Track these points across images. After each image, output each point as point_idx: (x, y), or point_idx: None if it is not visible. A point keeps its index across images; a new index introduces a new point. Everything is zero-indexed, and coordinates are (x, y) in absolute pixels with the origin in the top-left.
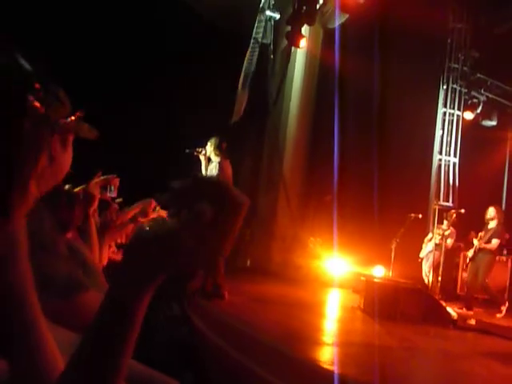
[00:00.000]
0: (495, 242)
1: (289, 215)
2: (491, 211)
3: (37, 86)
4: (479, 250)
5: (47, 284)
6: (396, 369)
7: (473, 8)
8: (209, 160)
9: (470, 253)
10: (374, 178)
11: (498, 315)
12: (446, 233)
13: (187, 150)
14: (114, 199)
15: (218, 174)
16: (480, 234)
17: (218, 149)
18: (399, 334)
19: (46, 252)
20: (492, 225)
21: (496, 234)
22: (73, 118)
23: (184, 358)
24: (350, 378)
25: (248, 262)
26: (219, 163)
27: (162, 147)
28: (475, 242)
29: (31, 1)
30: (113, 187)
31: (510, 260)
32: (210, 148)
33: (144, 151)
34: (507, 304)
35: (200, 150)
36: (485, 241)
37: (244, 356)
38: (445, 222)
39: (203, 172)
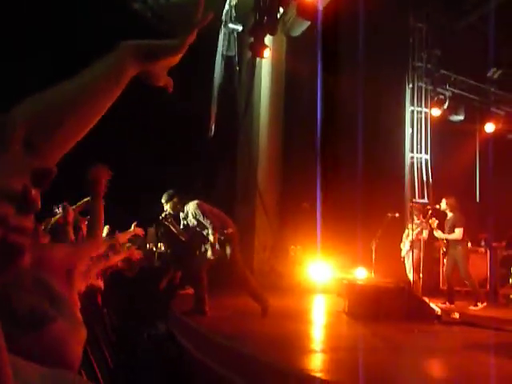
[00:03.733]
0: (458, 230)
1: (267, 225)
2: (442, 203)
3: None
4: (450, 243)
5: (9, 318)
6: (384, 370)
7: (431, 7)
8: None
9: (443, 248)
10: (351, 182)
11: (472, 307)
12: (424, 230)
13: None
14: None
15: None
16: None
17: (180, 202)
18: (385, 335)
19: (8, 286)
20: (450, 215)
21: (456, 222)
22: None
23: (172, 376)
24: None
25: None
26: (197, 208)
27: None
28: (430, 221)
29: None
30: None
31: (488, 251)
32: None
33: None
34: (485, 303)
35: (167, 217)
36: (447, 231)
37: (230, 371)
38: (415, 217)
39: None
